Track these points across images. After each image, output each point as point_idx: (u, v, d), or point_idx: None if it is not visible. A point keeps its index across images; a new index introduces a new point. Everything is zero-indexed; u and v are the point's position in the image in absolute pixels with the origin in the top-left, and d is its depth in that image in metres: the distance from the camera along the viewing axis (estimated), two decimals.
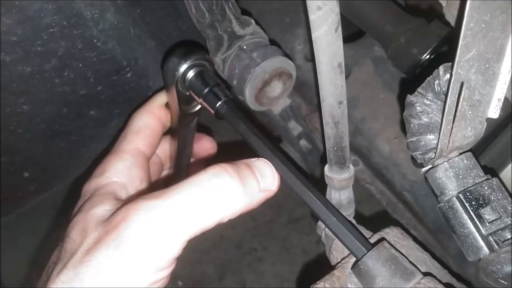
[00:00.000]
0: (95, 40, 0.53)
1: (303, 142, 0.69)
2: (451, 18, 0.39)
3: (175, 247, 0.36)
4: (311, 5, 0.29)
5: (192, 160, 0.66)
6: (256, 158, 0.41)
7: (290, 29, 0.76)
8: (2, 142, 0.55)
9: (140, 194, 0.49)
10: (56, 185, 0.72)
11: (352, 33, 0.72)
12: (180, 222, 0.36)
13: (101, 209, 0.40)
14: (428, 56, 0.51)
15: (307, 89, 0.72)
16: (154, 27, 0.61)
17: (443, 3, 0.40)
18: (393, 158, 0.68)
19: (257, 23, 0.55)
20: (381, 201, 0.71)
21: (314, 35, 0.31)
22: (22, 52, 0.49)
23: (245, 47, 0.52)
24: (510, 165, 0.46)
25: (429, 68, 0.53)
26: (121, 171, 0.47)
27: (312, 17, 0.29)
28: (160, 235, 0.35)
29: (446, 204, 0.36)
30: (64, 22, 0.49)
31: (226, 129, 0.56)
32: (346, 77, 0.71)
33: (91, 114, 0.60)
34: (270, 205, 1.30)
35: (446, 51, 0.51)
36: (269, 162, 0.42)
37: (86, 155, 0.67)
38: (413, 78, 0.55)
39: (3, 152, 0.57)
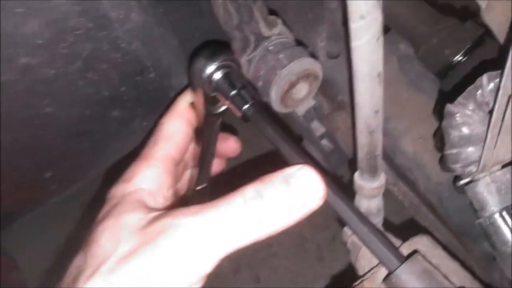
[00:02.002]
0: (120, 41, 0.52)
1: (325, 142, 0.68)
2: (490, 21, 0.38)
3: (209, 264, 0.37)
4: (353, 13, 0.28)
5: (215, 159, 0.65)
6: (298, 167, 0.39)
7: (312, 26, 0.75)
8: (25, 143, 0.55)
9: (168, 200, 0.49)
10: (76, 183, 0.72)
11: None
12: (216, 240, 0.36)
13: (134, 217, 0.40)
14: (461, 58, 0.50)
15: (329, 87, 0.71)
16: (177, 25, 0.60)
17: (482, 5, 0.38)
18: (417, 159, 0.67)
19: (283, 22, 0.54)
20: (403, 202, 0.70)
21: (354, 43, 0.30)
22: (47, 54, 0.48)
23: (271, 48, 0.51)
24: None
25: (461, 70, 0.52)
26: (150, 179, 0.46)
27: (353, 25, 0.28)
28: (197, 250, 0.36)
29: (487, 220, 0.36)
30: (90, 24, 0.49)
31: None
32: None
33: (114, 114, 0.60)
34: None
35: (480, 53, 0.49)
36: (312, 171, 0.39)
37: (108, 153, 0.67)
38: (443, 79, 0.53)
39: (26, 153, 0.57)
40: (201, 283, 0.38)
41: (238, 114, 0.49)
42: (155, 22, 0.56)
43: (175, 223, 0.36)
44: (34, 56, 0.47)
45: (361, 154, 0.39)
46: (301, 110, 0.58)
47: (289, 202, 0.38)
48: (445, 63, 0.51)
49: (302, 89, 0.53)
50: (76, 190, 0.74)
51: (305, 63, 0.50)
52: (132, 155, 0.57)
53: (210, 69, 0.49)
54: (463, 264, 0.45)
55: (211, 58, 0.49)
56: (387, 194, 0.71)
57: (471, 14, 0.43)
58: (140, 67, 0.57)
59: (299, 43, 0.53)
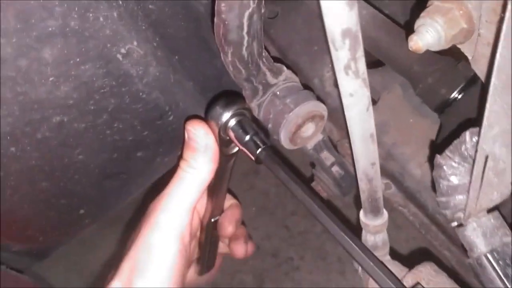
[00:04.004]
0: (141, 93, 0.58)
1: (336, 169, 0.71)
2: (477, 70, 0.41)
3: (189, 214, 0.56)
4: (344, 91, 0.32)
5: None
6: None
7: (318, 58, 0.79)
8: (61, 188, 0.61)
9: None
10: (106, 215, 0.78)
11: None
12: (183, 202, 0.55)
13: None
14: (456, 95, 0.53)
15: (338, 115, 0.74)
16: (191, 70, 0.65)
17: (469, 56, 0.42)
18: (425, 181, 0.70)
19: (286, 65, 0.59)
20: (414, 223, 0.73)
21: (347, 114, 0.34)
22: (77, 112, 0.54)
23: (278, 93, 0.55)
24: None
25: (458, 106, 0.55)
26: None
27: (345, 101, 0.32)
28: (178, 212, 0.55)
29: (475, 261, 0.39)
30: (113, 82, 0.54)
31: None
32: (375, 103, 0.73)
33: (138, 155, 0.65)
34: (305, 215, 1.34)
35: (473, 91, 0.52)
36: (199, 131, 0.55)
37: (134, 188, 0.73)
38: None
39: (62, 196, 0.63)
40: (188, 238, 0.58)
41: (252, 157, 0.54)
42: (171, 70, 0.61)
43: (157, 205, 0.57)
44: (66, 115, 0.53)
45: (363, 197, 0.43)
46: (310, 144, 0.62)
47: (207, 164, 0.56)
48: (441, 101, 0.54)
49: (309, 129, 0.57)
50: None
51: (310, 106, 0.54)
52: (154, 188, 0.63)
53: (225, 117, 0.54)
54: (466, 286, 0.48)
55: (226, 107, 0.55)
56: (398, 215, 0.74)
57: (464, 55, 0.46)
58: (159, 113, 0.62)
59: (305, 87, 0.57)
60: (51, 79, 0.49)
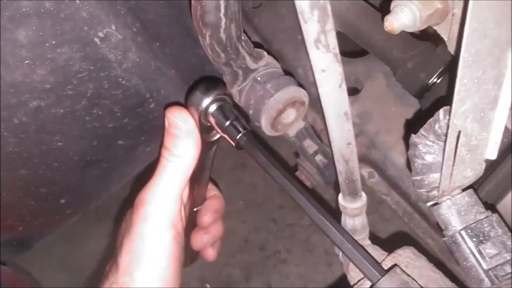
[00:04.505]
0: (120, 79, 0.57)
1: (319, 158, 0.71)
2: (453, 52, 0.41)
3: (178, 203, 0.56)
4: (316, 67, 0.31)
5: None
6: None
7: (303, 47, 0.78)
8: (40, 175, 0.60)
9: None
10: (89, 206, 0.77)
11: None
12: (170, 190, 0.55)
13: None
14: (435, 80, 0.53)
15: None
16: (173, 57, 0.64)
17: (445, 37, 0.42)
18: (407, 170, 0.70)
19: (268, 52, 0.58)
20: (397, 211, 0.73)
21: (320, 90, 0.34)
22: (55, 97, 0.53)
23: (259, 78, 0.55)
24: (510, 193, 0.48)
25: (436, 91, 0.55)
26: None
27: (317, 76, 0.32)
28: (166, 200, 0.55)
29: (450, 238, 0.39)
30: (91, 67, 0.53)
31: None
32: (359, 92, 0.73)
33: (119, 143, 0.64)
34: (292, 208, 1.34)
35: (453, 74, 0.52)
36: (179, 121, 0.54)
37: (116, 178, 0.72)
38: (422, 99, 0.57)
39: (41, 184, 0.62)
40: (180, 224, 0.57)
41: (232, 143, 0.53)
42: (151, 57, 0.60)
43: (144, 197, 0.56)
44: (43, 100, 0.52)
45: (341, 179, 0.43)
46: (292, 131, 0.62)
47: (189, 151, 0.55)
48: (421, 86, 0.54)
49: (290, 114, 0.57)
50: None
51: (291, 92, 0.54)
52: (140, 180, 0.62)
53: (205, 102, 0.54)
54: (448, 273, 0.49)
55: (206, 93, 0.54)
56: (385, 208, 0.74)
57: (443, 39, 0.46)
58: (140, 100, 0.61)
59: (286, 72, 0.56)
60: (26, 62, 0.49)
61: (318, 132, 0.75)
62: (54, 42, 0.49)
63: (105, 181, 0.71)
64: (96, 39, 0.52)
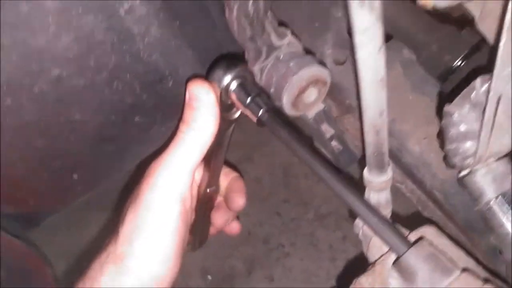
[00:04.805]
0: (141, 53, 0.57)
1: (334, 143, 0.71)
2: (484, 29, 0.41)
3: (189, 178, 0.55)
4: (356, 27, 0.31)
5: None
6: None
7: (319, 35, 0.78)
8: (56, 148, 0.60)
9: None
10: (100, 185, 0.76)
11: None
12: (184, 162, 0.54)
13: None
14: (460, 63, 0.53)
15: (338, 92, 0.74)
16: (192, 38, 0.64)
17: (476, 14, 0.42)
18: (423, 158, 0.70)
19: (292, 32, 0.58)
20: (411, 199, 0.73)
21: (358, 54, 0.33)
22: (77, 67, 0.53)
23: (281, 56, 0.55)
24: None
25: (460, 74, 0.55)
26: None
27: (357, 38, 0.32)
28: (179, 172, 0.54)
29: (485, 205, 0.39)
30: (115, 38, 0.53)
31: None
32: None
33: (136, 120, 0.64)
34: (297, 203, 1.34)
35: (477, 58, 0.53)
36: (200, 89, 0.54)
37: (129, 158, 0.72)
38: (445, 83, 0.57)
39: (56, 156, 0.62)
40: (189, 201, 0.57)
41: (254, 119, 0.53)
42: (172, 35, 0.60)
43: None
44: (65, 69, 0.52)
45: (369, 151, 0.42)
46: (311, 113, 0.62)
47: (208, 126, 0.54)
48: (445, 68, 0.54)
49: (312, 94, 0.56)
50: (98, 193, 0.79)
51: (314, 70, 0.54)
52: (150, 160, 0.62)
53: (226, 79, 0.54)
54: (468, 253, 0.49)
55: (227, 70, 0.54)
56: (395, 191, 0.74)
57: (468, 22, 0.46)
58: (159, 77, 0.61)
59: (308, 52, 0.56)
60: (52, 28, 0.48)
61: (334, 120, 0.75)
62: (80, 10, 0.49)
63: (118, 159, 0.70)
64: (121, 10, 0.52)
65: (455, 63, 0.53)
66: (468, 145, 0.39)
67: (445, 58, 0.54)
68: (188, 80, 0.61)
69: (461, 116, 0.39)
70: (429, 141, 0.70)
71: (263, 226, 1.35)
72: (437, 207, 0.70)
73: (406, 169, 0.71)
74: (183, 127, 0.56)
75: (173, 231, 0.53)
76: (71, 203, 0.76)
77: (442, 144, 0.56)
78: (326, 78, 0.55)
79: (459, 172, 0.51)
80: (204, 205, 0.70)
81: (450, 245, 0.45)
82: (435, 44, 0.55)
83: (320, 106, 0.62)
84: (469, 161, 0.40)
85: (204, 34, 0.67)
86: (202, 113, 0.54)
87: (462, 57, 0.53)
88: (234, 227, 0.74)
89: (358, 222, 0.52)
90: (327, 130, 0.67)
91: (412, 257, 0.39)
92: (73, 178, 0.67)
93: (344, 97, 0.74)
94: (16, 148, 0.56)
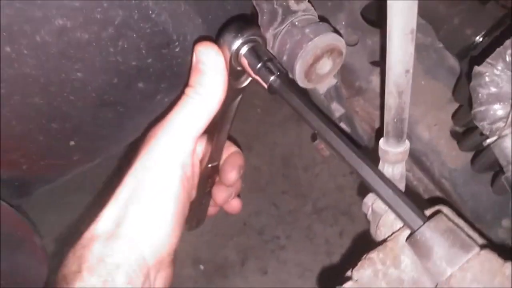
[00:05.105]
0: (150, 12, 0.54)
1: (343, 125, 0.69)
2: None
3: (191, 144, 0.52)
4: None
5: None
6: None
7: (331, 14, 0.76)
8: (55, 108, 0.57)
9: None
10: (97, 157, 0.73)
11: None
12: (187, 127, 0.52)
13: None
14: (482, 38, 0.51)
15: (348, 73, 0.72)
16: (202, 5, 0.62)
17: None
18: (432, 144, 0.68)
19: None
20: (417, 188, 0.71)
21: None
22: (82, 18, 0.50)
23: (297, 23, 0.53)
24: None
25: (482, 51, 0.53)
26: None
27: None
28: (181, 136, 0.51)
29: None
30: None
31: None
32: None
33: (139, 86, 0.61)
34: (295, 195, 1.31)
35: (501, 34, 0.51)
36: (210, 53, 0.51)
37: (129, 127, 0.69)
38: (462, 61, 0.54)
39: (54, 117, 0.59)
40: (190, 167, 0.54)
41: (265, 85, 0.50)
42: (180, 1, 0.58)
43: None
44: (70, 19, 0.49)
45: (388, 117, 0.40)
46: (323, 88, 0.59)
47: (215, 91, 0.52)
48: (466, 43, 0.52)
49: (326, 65, 0.54)
50: (96, 165, 0.76)
51: (330, 38, 0.52)
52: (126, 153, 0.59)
53: (237, 43, 0.51)
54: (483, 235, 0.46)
55: (238, 33, 0.51)
56: None
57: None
58: (166, 40, 0.58)
59: (323, 20, 0.54)
60: None
61: None
62: None
63: (118, 128, 0.67)
64: None
65: (477, 38, 0.51)
66: (498, 107, 0.37)
67: (467, 32, 0.52)
68: (197, 39, 0.59)
69: (493, 76, 0.37)
70: (440, 128, 0.68)
71: (259, 217, 1.32)
72: (445, 197, 0.68)
73: (414, 156, 0.69)
74: (188, 91, 0.53)
75: (174, 196, 0.50)
76: (66, 174, 0.73)
77: (457, 124, 0.54)
78: (342, 47, 0.53)
79: (475, 154, 0.49)
80: (205, 181, 0.68)
81: (464, 225, 0.43)
82: (456, 17, 0.53)
83: (332, 81, 0.59)
84: (499, 124, 0.37)
85: (214, 2, 0.64)
86: (210, 77, 0.51)
87: (485, 32, 0.51)
88: (235, 206, 0.71)
89: (368, 200, 0.50)
90: (337, 109, 0.65)
91: (429, 231, 0.37)
92: (70, 145, 0.64)
93: (354, 78, 0.72)
94: (12, 104, 0.54)
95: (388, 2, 0.31)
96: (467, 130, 0.56)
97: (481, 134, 0.41)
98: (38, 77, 0.53)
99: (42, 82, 0.53)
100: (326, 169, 1.28)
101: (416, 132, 0.69)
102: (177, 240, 0.52)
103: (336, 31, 0.53)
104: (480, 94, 0.38)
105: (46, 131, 0.60)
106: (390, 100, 0.39)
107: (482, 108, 0.38)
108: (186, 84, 0.57)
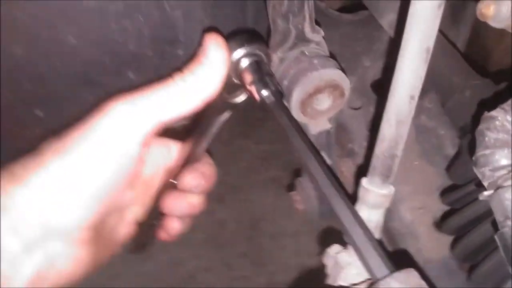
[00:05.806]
0: (165, 1, 0.53)
1: None
2: None
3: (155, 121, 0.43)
4: None
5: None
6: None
7: None
8: (33, 65, 0.53)
9: None
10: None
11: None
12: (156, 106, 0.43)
13: None
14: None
15: (343, 133, 0.71)
16: (218, 17, 0.60)
17: None
18: (413, 228, 0.64)
19: None
20: None
21: (412, 8, 0.29)
22: None
23: (307, 53, 0.51)
24: None
25: None
26: None
27: None
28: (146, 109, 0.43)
29: None
30: None
31: None
32: None
33: (129, 75, 0.58)
34: (253, 262, 1.21)
35: None
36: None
37: None
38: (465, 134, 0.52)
39: (33, 79, 0.54)
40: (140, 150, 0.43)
41: (257, 97, 0.47)
42: (198, 4, 0.56)
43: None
44: None
45: (378, 150, 0.36)
46: (315, 128, 0.56)
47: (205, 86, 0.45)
48: (472, 119, 0.51)
49: (325, 101, 0.52)
50: None
51: (337, 74, 0.50)
52: None
53: (241, 52, 0.48)
54: None
55: (245, 43, 0.49)
56: None
57: (505, 78, 0.43)
58: (172, 37, 0.56)
59: (333, 57, 0.53)
60: None
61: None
62: None
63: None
64: None
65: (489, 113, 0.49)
66: (504, 154, 0.33)
67: (476, 108, 0.50)
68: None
69: (504, 121, 0.34)
70: (424, 213, 0.65)
71: (207, 274, 1.21)
72: None
73: (390, 234, 0.65)
74: (175, 75, 0.46)
75: (120, 166, 0.42)
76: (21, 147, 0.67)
77: (445, 200, 0.51)
78: (345, 89, 0.51)
79: (453, 241, 0.45)
80: (159, 194, 0.61)
81: None
82: (469, 89, 0.51)
83: (326, 125, 0.56)
84: (500, 173, 0.34)
85: (231, 18, 0.63)
86: (205, 72, 0.46)
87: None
88: (172, 228, 0.60)
89: (331, 250, 0.44)
90: (324, 159, 0.61)
91: (395, 283, 0.31)
92: (35, 113, 0.59)
93: (348, 140, 0.70)
94: None
95: (411, 11, 0.29)
96: (451, 211, 0.53)
97: (477, 185, 0.37)
98: (29, 28, 0.49)
99: (31, 35, 0.50)
100: (294, 244, 1.20)
101: (399, 211, 0.65)
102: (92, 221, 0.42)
103: (343, 71, 0.51)
104: (487, 138, 0.35)
105: (14, 89, 0.55)
106: (385, 129, 0.35)
107: (487, 152, 0.34)
108: None
